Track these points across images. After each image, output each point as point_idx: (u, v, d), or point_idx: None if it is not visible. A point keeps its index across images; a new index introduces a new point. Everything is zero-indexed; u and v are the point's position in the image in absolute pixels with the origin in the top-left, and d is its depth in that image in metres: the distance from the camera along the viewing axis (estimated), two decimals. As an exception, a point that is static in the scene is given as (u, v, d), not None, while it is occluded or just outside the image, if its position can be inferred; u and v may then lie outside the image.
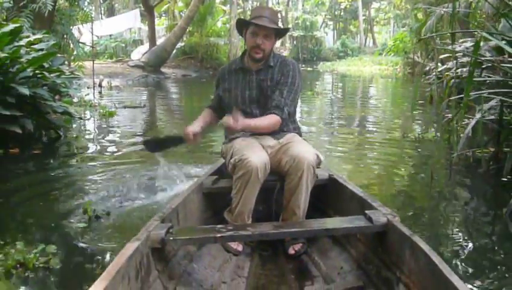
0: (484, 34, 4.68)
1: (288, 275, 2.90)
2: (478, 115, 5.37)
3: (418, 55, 23.58)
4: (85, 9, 15.44)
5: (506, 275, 3.21)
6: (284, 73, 3.45)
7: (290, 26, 48.42)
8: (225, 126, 3.24)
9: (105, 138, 8.20)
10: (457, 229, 4.12)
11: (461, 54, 6.92)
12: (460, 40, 8.17)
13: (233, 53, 27.57)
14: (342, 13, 58.81)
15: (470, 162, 5.79)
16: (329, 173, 3.51)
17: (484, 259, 3.47)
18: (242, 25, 3.52)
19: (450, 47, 6.32)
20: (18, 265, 3.11)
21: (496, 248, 3.75)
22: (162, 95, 18.09)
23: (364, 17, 55.86)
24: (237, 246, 3.13)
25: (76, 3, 13.66)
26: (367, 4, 54.78)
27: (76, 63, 13.96)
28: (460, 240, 3.84)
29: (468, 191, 5.22)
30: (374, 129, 9.74)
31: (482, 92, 5.41)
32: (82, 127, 9.09)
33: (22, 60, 7.01)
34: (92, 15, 16.57)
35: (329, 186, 3.47)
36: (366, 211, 2.69)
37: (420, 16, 23.84)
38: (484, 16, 7.87)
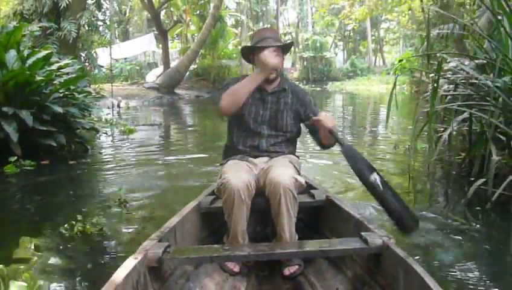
0: (444, 55, 5.51)
1: None
2: (453, 126, 6.24)
3: (423, 74, 24.12)
4: (104, 35, 16.35)
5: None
6: (304, 99, 3.57)
7: (300, 46, 49.27)
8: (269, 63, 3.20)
9: (127, 151, 9.20)
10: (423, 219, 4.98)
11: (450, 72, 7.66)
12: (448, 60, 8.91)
13: (244, 74, 28.45)
14: (351, 34, 59.46)
15: (448, 166, 6.64)
16: (326, 195, 3.51)
17: (434, 240, 4.26)
18: (248, 52, 3.60)
19: (450, 65, 7.04)
20: (79, 233, 4.12)
21: (448, 230, 4.56)
22: (176, 115, 19.16)
23: (373, 38, 56.42)
24: (234, 267, 3.11)
25: (96, 29, 14.63)
26: (376, 25, 55.34)
27: (97, 85, 14.94)
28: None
29: (439, 189, 6.10)
30: (372, 142, 10.75)
31: (452, 104, 6.22)
32: (106, 142, 10.11)
33: (55, 82, 7.97)
34: (108, 38, 17.50)
35: (326, 208, 3.47)
36: (362, 233, 2.71)
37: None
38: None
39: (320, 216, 3.56)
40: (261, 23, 48.49)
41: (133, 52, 32.54)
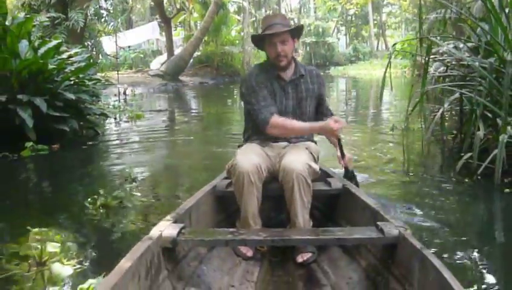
0: (433, 39, 5.86)
1: (297, 283, 2.88)
2: (446, 105, 6.60)
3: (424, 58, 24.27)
4: (108, 24, 16.67)
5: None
6: (320, 86, 3.60)
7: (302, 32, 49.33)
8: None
9: (135, 134, 9.75)
10: (417, 187, 5.42)
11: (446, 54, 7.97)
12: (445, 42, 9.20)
13: (247, 60, 28.89)
14: (353, 18, 59.48)
15: (441, 143, 7.02)
16: (343, 184, 3.45)
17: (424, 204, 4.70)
18: (258, 40, 3.58)
19: (444, 48, 7.38)
20: (101, 206, 4.56)
21: (441, 198, 4.97)
22: (181, 101, 19.62)
23: (375, 22, 56.43)
24: (247, 251, 3.11)
25: (103, 19, 14.99)
26: (378, 9, 55.31)
27: (104, 73, 15.30)
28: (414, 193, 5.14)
29: (433, 164, 6.49)
30: (374, 123, 11.29)
31: (443, 85, 6.58)
32: (115, 127, 10.56)
33: (66, 70, 8.37)
34: (112, 27, 17.82)
35: (342, 197, 3.43)
36: (378, 223, 2.66)
37: (425, 19, 24.57)
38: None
39: (336, 204, 3.53)
40: (263, 9, 48.58)
41: (137, 40, 32.81)
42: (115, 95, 16.17)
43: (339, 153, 3.51)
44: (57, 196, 5.44)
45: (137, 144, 8.44)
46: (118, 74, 18.03)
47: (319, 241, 2.83)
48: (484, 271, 3.24)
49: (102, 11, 14.81)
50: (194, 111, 15.85)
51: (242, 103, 3.66)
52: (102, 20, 15.29)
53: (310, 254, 3.04)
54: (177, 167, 6.84)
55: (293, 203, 3.04)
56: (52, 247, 3.11)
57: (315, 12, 56.71)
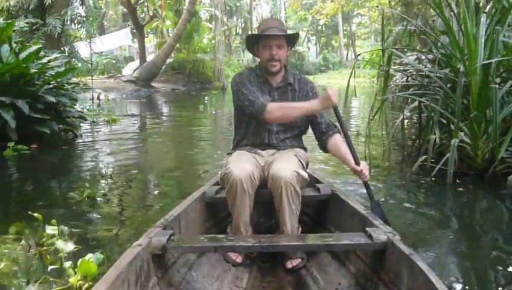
0: (393, 50, 6.35)
1: (286, 289, 2.88)
2: (406, 113, 7.09)
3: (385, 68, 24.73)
4: (83, 29, 16.96)
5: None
6: (309, 94, 3.53)
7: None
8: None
9: (111, 136, 10.11)
10: (378, 188, 5.82)
11: (409, 65, 8.46)
12: (408, 54, 9.73)
13: (218, 68, 29.18)
14: (323, 28, 60.29)
15: (402, 148, 7.50)
16: (332, 189, 3.46)
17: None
18: (252, 42, 3.50)
19: (406, 60, 7.85)
20: (87, 197, 4.95)
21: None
22: (154, 106, 20.01)
23: (345, 32, 57.29)
24: (236, 257, 3.11)
25: (80, 25, 15.32)
26: (348, 19, 56.10)
27: (79, 78, 15.58)
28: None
29: (393, 166, 6.96)
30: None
31: (403, 93, 7.07)
32: (92, 130, 10.95)
33: (46, 74, 8.70)
34: (84, 32, 18.16)
35: (331, 202, 3.44)
36: (367, 228, 2.67)
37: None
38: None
39: (325, 210, 3.54)
40: (234, 18, 49.11)
41: (110, 46, 32.88)
42: (90, 99, 16.44)
43: (353, 164, 3.30)
44: (45, 189, 5.85)
45: (113, 146, 8.84)
46: (91, 79, 18.27)
47: (308, 247, 2.85)
48: (445, 259, 3.64)
49: (79, 17, 15.07)
50: (166, 116, 16.20)
51: (232, 110, 3.65)
52: (79, 26, 15.56)
53: (299, 260, 3.08)
54: (149, 164, 7.42)
55: (282, 210, 3.04)
56: (51, 229, 3.49)
57: (286, 21, 57.27)
